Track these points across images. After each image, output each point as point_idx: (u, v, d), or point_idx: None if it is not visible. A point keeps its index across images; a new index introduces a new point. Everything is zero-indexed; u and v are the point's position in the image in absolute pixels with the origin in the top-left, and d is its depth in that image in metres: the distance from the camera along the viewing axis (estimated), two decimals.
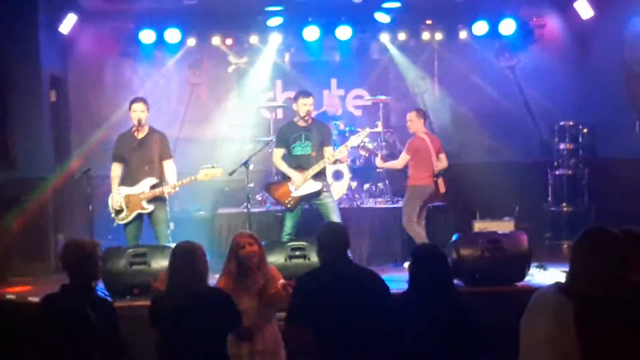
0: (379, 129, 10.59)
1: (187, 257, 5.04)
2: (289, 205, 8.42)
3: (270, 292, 5.53)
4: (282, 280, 5.55)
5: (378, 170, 10.55)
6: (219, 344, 5.00)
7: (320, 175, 8.44)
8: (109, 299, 5.81)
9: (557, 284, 3.50)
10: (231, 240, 5.72)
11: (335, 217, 8.29)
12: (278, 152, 8.57)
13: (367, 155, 10.42)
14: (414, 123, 9.26)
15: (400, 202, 10.07)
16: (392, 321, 4.90)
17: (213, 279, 5.55)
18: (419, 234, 8.96)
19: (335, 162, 8.63)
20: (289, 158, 8.49)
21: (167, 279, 5.14)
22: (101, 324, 4.74)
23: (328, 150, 8.44)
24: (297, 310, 5.04)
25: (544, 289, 3.57)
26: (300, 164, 8.40)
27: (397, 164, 9.28)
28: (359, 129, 10.20)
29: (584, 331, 3.22)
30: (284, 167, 8.49)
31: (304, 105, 8.40)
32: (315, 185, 8.35)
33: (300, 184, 8.32)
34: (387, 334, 4.84)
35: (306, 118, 8.41)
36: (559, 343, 3.27)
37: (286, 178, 8.50)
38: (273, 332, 5.58)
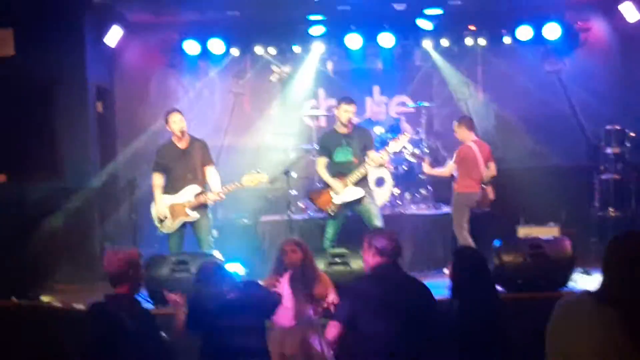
0: (422, 135, 10.56)
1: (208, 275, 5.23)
2: (331, 213, 8.45)
3: (322, 298, 5.65)
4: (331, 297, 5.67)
5: (421, 176, 10.52)
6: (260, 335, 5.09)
7: (362, 182, 8.44)
8: (149, 308, 5.89)
9: (588, 292, 3.34)
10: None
11: (378, 223, 8.29)
12: (321, 161, 8.60)
13: (416, 161, 10.37)
14: (458, 132, 9.22)
15: (444, 209, 10.06)
16: (437, 328, 4.92)
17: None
18: (468, 242, 8.92)
19: (379, 165, 8.62)
20: (332, 165, 8.52)
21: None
22: (142, 333, 4.84)
23: (371, 153, 8.41)
24: (345, 315, 5.07)
25: (572, 298, 3.39)
26: (341, 170, 8.42)
27: (445, 171, 9.24)
28: (399, 135, 10.24)
29: (634, 340, 3.09)
30: (325, 176, 8.52)
31: (346, 112, 8.42)
32: (358, 192, 8.36)
33: (341, 192, 8.33)
34: (432, 342, 4.85)
35: (347, 124, 8.43)
36: (603, 354, 3.14)
37: (328, 185, 8.53)
38: (307, 338, 5.62)
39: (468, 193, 9.08)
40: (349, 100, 8.52)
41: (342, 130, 8.49)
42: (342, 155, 8.44)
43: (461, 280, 4.97)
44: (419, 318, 4.91)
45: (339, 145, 8.44)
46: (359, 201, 8.38)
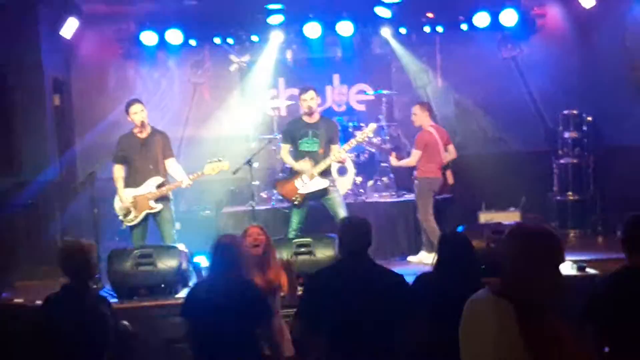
0: (382, 122, 10.60)
1: (225, 250, 5.14)
2: (295, 202, 8.45)
3: (276, 282, 5.66)
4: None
5: (383, 164, 10.56)
6: (250, 340, 5.06)
7: (326, 172, 8.47)
8: (108, 298, 5.82)
9: (490, 288, 3.24)
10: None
11: (342, 212, 8.34)
12: (285, 148, 8.62)
13: (375, 150, 10.42)
14: (419, 116, 9.31)
15: (406, 196, 10.11)
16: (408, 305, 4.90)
17: None
18: (433, 228, 9.00)
19: (339, 161, 8.65)
20: (296, 154, 8.53)
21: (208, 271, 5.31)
22: (95, 323, 4.83)
23: (335, 148, 8.47)
24: (307, 307, 5.05)
25: (477, 296, 3.30)
26: (307, 160, 8.42)
27: (410, 161, 9.30)
28: (362, 124, 10.26)
29: (528, 334, 3.05)
30: (291, 162, 8.53)
31: (304, 101, 8.45)
32: (323, 182, 8.39)
33: (310, 172, 8.32)
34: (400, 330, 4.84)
35: (311, 114, 8.43)
36: (505, 350, 3.07)
37: (292, 175, 8.52)
38: (277, 323, 5.65)
39: (430, 178, 9.16)
40: (305, 89, 8.57)
41: (308, 119, 8.49)
42: (308, 145, 8.45)
43: (445, 261, 4.99)
44: (381, 311, 4.82)
45: (305, 135, 8.45)
46: (323, 191, 8.40)
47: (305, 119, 8.51)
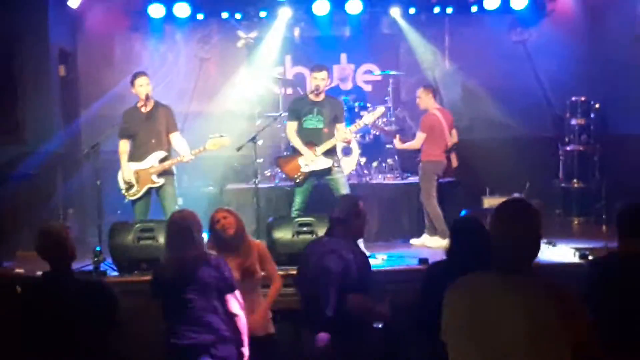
0: (389, 104, 10.55)
1: (181, 226, 5.14)
2: (297, 181, 8.42)
3: (250, 264, 5.66)
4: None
5: (388, 146, 10.52)
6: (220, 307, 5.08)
7: (331, 152, 8.43)
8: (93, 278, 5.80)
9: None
10: (211, 217, 5.78)
11: (346, 191, 8.31)
12: (291, 126, 8.56)
13: (378, 133, 10.39)
14: (423, 99, 9.29)
15: (410, 178, 10.08)
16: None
17: None
18: (436, 211, 8.98)
19: (345, 140, 8.60)
20: (300, 131, 8.47)
21: (165, 250, 5.31)
22: (83, 303, 4.79)
23: (340, 127, 8.43)
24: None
25: (460, 281, 3.41)
26: (311, 138, 8.39)
27: (415, 144, 9.29)
28: (369, 105, 10.20)
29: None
30: (297, 142, 8.47)
31: (314, 79, 8.40)
32: (326, 162, 8.35)
33: (311, 160, 8.30)
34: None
35: (317, 93, 8.38)
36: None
37: (296, 152, 8.49)
38: (258, 305, 5.70)
39: (435, 161, 9.15)
40: (318, 68, 8.50)
41: (313, 97, 8.44)
42: (312, 123, 8.39)
43: (459, 248, 5.00)
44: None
45: (310, 113, 8.40)
46: (327, 171, 8.36)
47: (311, 97, 8.46)
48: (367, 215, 5.58)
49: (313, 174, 8.40)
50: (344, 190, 8.35)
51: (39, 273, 5.13)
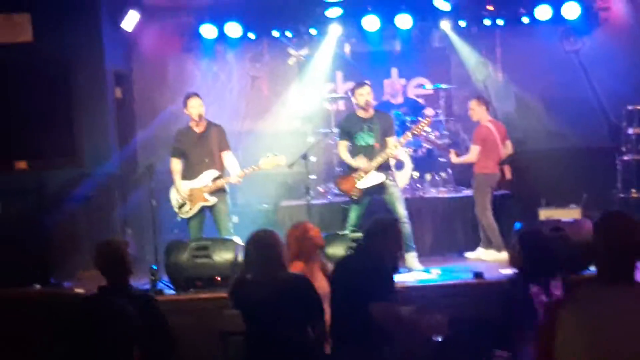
0: (441, 117, 10.51)
1: (264, 244, 5.13)
2: (354, 198, 8.45)
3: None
4: None
5: (440, 159, 10.47)
6: (304, 331, 5.07)
7: (383, 166, 8.43)
8: (149, 293, 5.81)
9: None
10: (298, 229, 5.94)
11: (401, 207, 8.34)
12: (343, 144, 8.62)
13: (434, 147, 10.33)
14: (476, 111, 9.26)
15: (464, 192, 10.01)
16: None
17: None
18: (491, 224, 8.92)
19: (395, 153, 8.58)
20: (353, 149, 8.52)
21: (245, 268, 5.25)
22: (141, 318, 4.82)
23: (391, 141, 8.42)
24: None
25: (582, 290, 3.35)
26: (364, 154, 8.41)
27: (470, 157, 9.23)
28: (420, 118, 10.18)
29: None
30: (348, 159, 8.52)
31: (361, 96, 8.42)
32: (379, 177, 8.36)
33: (367, 168, 8.30)
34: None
35: (366, 108, 8.40)
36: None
37: (352, 171, 8.51)
38: None
39: (489, 174, 9.09)
40: (361, 84, 8.58)
41: (363, 114, 8.47)
42: (364, 139, 8.43)
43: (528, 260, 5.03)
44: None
45: (361, 130, 8.43)
46: (382, 187, 8.37)
47: (360, 113, 8.49)
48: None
49: (368, 190, 8.41)
50: (400, 204, 8.35)
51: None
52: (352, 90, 8.68)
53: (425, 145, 10.31)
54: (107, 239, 5.27)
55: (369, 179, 8.36)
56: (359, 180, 8.38)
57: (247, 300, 5.11)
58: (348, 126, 8.57)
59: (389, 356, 5.09)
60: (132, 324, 4.77)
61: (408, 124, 10.06)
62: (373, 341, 5.03)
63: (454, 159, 9.53)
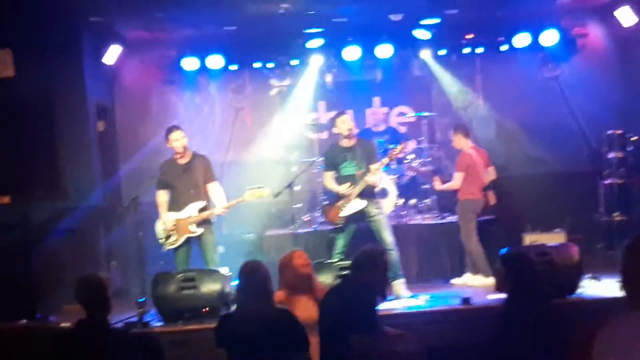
0: (424, 145, 10.58)
1: (253, 277, 5.11)
2: (339, 226, 8.48)
3: None
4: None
5: (424, 186, 10.53)
6: None
7: (367, 194, 8.44)
8: (127, 330, 5.73)
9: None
10: (285, 257, 5.96)
11: (387, 234, 8.35)
12: (328, 175, 8.65)
13: (417, 175, 10.39)
14: (456, 140, 9.42)
15: (449, 218, 10.05)
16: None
17: None
18: (478, 250, 8.96)
19: (375, 177, 8.55)
20: (339, 179, 8.54)
21: (236, 300, 5.27)
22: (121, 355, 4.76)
23: (372, 168, 8.44)
24: None
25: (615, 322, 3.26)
26: (349, 183, 8.44)
27: (454, 184, 9.31)
28: (399, 145, 10.24)
29: None
30: (335, 188, 8.55)
31: (343, 123, 8.46)
32: (361, 204, 8.38)
33: (349, 195, 8.34)
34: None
35: (349, 136, 8.44)
36: None
37: (337, 199, 8.53)
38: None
39: (472, 200, 9.17)
40: (341, 113, 8.67)
41: (345, 144, 8.51)
42: (348, 169, 8.47)
43: (517, 287, 5.03)
44: None
45: (345, 160, 8.47)
46: (367, 214, 8.38)
47: (343, 143, 8.53)
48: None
49: (353, 217, 8.43)
50: (386, 232, 8.37)
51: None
52: (333, 120, 8.70)
53: (409, 173, 10.38)
54: (87, 274, 5.19)
55: (351, 207, 8.39)
56: (342, 209, 8.41)
57: (230, 336, 5.09)
58: (332, 158, 8.60)
59: None
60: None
61: (389, 151, 10.10)
62: None
63: (437, 186, 9.61)
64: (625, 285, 3.27)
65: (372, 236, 8.36)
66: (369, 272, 5.37)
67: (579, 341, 3.23)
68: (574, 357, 3.18)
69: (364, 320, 5.15)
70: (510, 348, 4.88)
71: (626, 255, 3.30)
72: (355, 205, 8.39)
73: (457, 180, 9.24)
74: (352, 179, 8.41)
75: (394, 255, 8.21)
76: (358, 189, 8.35)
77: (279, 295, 5.81)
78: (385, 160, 8.51)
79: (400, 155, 9.30)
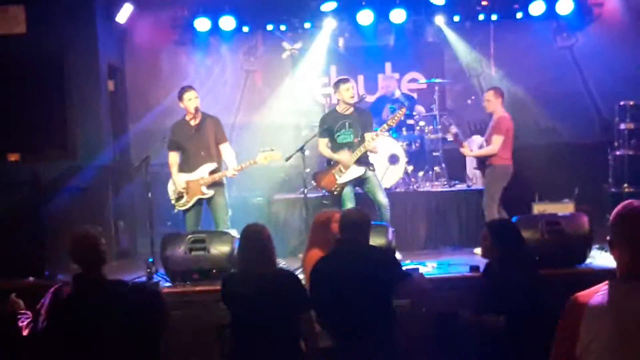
0: (435, 112, 10.50)
1: (256, 239, 5.18)
2: (335, 193, 8.52)
3: None
4: None
5: (434, 153, 10.47)
6: (291, 326, 5.10)
7: (362, 160, 8.48)
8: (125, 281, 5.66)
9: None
10: (323, 215, 6.21)
11: (381, 195, 8.44)
12: (323, 142, 8.66)
13: (452, 139, 10.17)
14: (492, 103, 9.01)
15: (458, 186, 10.01)
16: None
17: None
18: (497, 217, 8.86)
19: (372, 148, 8.52)
20: (334, 146, 8.57)
21: (237, 262, 5.37)
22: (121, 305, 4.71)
23: (367, 136, 8.42)
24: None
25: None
26: (345, 150, 8.44)
27: (492, 149, 8.86)
28: (414, 113, 10.19)
29: None
30: (330, 154, 8.57)
31: (347, 91, 8.46)
32: (359, 170, 8.44)
33: (348, 163, 8.35)
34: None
35: (351, 103, 8.44)
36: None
37: (331, 166, 8.54)
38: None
39: (507, 165, 8.93)
40: (346, 79, 8.61)
41: (344, 110, 8.49)
42: (345, 136, 8.49)
43: (502, 255, 5.04)
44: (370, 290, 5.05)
45: (343, 127, 8.48)
46: (363, 179, 8.46)
47: (341, 110, 8.55)
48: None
49: (349, 183, 8.46)
50: (380, 192, 8.46)
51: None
52: (337, 86, 8.61)
53: (449, 138, 10.07)
54: (77, 229, 5.10)
55: (349, 174, 8.44)
56: (339, 175, 8.42)
57: (233, 295, 5.17)
58: (329, 123, 8.57)
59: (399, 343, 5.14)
60: (111, 313, 4.67)
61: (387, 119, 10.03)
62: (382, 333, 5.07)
63: (467, 152, 9.34)
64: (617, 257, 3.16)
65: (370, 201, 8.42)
66: (363, 235, 5.42)
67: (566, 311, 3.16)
68: (560, 327, 3.13)
69: (400, 270, 5.26)
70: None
71: (617, 224, 3.17)
72: (353, 172, 8.43)
73: (496, 143, 8.81)
74: (348, 147, 8.43)
75: (386, 215, 8.29)
76: (356, 155, 8.38)
77: (315, 253, 5.91)
78: (385, 126, 8.51)
79: (452, 128, 9.18)
